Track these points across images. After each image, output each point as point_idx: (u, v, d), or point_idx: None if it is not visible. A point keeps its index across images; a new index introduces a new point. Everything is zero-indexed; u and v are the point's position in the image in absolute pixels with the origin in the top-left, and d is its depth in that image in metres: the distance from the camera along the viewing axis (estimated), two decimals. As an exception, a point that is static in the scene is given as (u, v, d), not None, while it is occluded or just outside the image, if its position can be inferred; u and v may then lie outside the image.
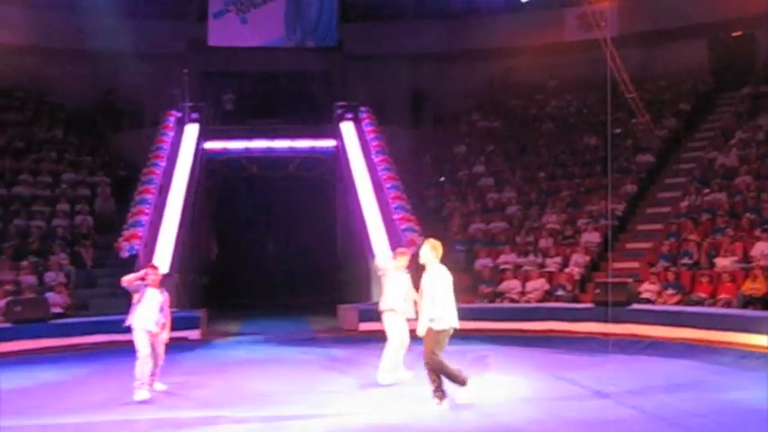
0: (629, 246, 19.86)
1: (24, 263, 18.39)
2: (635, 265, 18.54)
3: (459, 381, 9.27)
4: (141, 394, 10.28)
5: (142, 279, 10.89)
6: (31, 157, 23.37)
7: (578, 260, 19.15)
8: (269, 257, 26.53)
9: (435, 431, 8.33)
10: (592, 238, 19.89)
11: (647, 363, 12.73)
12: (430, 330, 9.13)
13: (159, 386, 10.91)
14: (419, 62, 28.90)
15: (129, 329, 10.72)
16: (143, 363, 10.42)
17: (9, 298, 16.50)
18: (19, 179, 22.08)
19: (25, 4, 25.53)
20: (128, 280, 10.78)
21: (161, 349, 10.88)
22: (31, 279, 17.98)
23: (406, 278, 11.53)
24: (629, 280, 16.84)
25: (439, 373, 9.16)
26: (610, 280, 16.07)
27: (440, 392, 9.18)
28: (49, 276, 18.41)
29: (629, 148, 23.21)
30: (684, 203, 19.84)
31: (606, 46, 19.40)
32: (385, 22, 29.48)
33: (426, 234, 20.06)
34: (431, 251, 9.36)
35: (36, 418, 9.42)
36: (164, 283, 11.30)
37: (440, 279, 9.26)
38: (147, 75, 26.27)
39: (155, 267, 11.17)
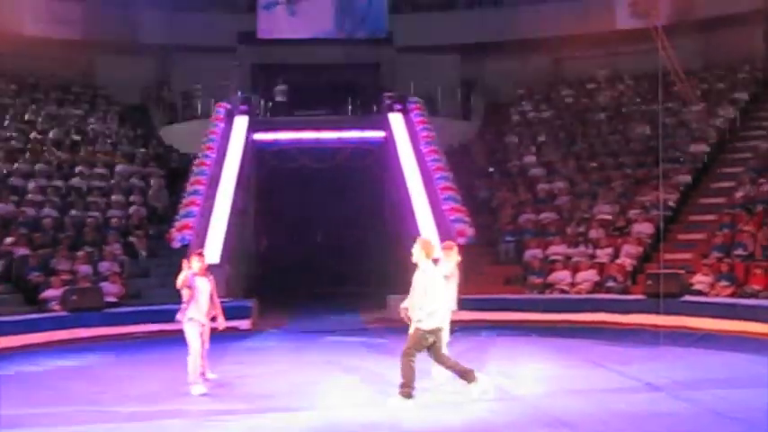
0: (681, 237, 19.57)
1: (80, 253, 18.72)
2: (687, 256, 18.27)
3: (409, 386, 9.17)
4: (197, 389, 10.17)
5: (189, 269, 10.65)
6: (86, 149, 23.79)
7: (629, 251, 18.95)
8: (318, 248, 26.66)
9: (487, 423, 8.30)
10: (643, 228, 19.65)
11: (699, 355, 12.54)
12: (417, 329, 9.10)
13: (210, 375, 10.93)
14: (468, 53, 28.80)
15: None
16: (195, 358, 10.30)
17: (65, 287, 16.82)
18: (75, 171, 22.51)
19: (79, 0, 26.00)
20: (181, 282, 10.51)
21: (206, 337, 10.71)
22: (86, 269, 18.31)
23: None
24: (682, 271, 16.65)
25: (407, 371, 9.13)
26: (662, 271, 15.87)
27: (408, 390, 9.11)
28: (104, 266, 18.72)
29: (683, 138, 22.85)
30: (739, 194, 19.50)
31: (658, 35, 19.13)
32: (434, 12, 29.38)
33: (476, 225, 20.16)
34: (422, 250, 9.32)
35: (90, 405, 9.59)
36: (210, 270, 11.11)
37: (431, 278, 9.20)
38: (198, 67, 26.55)
39: (201, 254, 11.03)
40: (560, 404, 9.03)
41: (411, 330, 9.19)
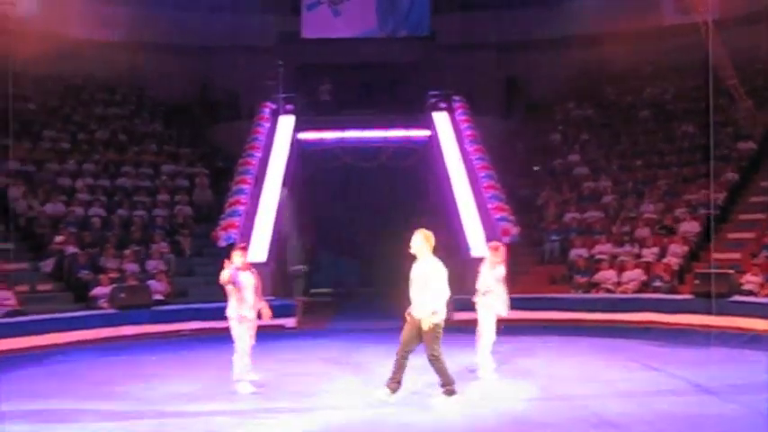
0: (730, 236, 19.28)
1: (127, 251, 19.00)
2: (736, 255, 18.01)
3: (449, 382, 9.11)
4: (244, 387, 10.20)
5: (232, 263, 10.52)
6: (132, 149, 24.11)
7: (676, 250, 18.75)
8: (363, 247, 26.69)
9: (533, 423, 8.27)
10: (690, 227, 19.44)
11: (750, 356, 12.34)
12: (432, 326, 8.96)
13: (253, 376, 10.58)
14: (511, 50, 28.66)
15: (225, 318, 10.56)
16: (241, 356, 10.27)
17: (114, 285, 17.07)
18: (122, 171, 22.83)
19: (124, 2, 26.27)
20: (224, 279, 10.46)
21: (252, 333, 10.53)
22: (133, 267, 18.56)
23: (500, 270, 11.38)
24: (731, 271, 16.42)
25: (443, 372, 9.07)
26: (712, 271, 15.67)
27: (451, 388, 9.07)
28: (151, 264, 18.97)
29: (730, 136, 22.51)
30: (789, 192, 19.21)
31: (706, 29, 18.85)
32: (476, 11, 29.27)
33: (520, 224, 20.08)
34: (424, 242, 9.08)
35: (137, 402, 9.71)
36: (252, 265, 11.02)
37: (435, 271, 9.02)
38: (242, 67, 26.76)
39: (243, 249, 10.98)
40: (606, 404, 8.96)
41: (425, 327, 8.94)
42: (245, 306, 10.38)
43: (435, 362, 9.00)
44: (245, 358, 10.34)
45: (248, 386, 10.25)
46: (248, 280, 10.48)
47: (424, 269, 9.01)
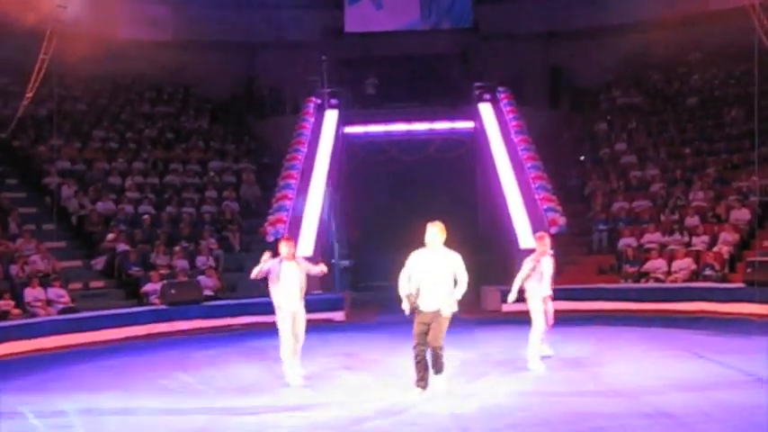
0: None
1: (177, 248, 19.23)
2: (788, 243, 17.74)
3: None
4: (293, 378, 10.30)
5: (275, 256, 10.68)
6: (180, 147, 24.40)
7: (727, 238, 18.48)
8: (409, 240, 26.57)
9: (586, 414, 8.22)
10: (741, 215, 19.16)
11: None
12: (449, 315, 8.97)
13: (300, 370, 10.63)
14: (555, 40, 28.46)
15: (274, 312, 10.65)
16: (285, 343, 10.36)
17: (164, 281, 17.29)
18: (170, 168, 23.10)
19: (170, 2, 26.54)
20: (254, 274, 10.69)
21: (300, 329, 10.60)
22: (183, 263, 18.78)
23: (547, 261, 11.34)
24: (783, 259, 16.15)
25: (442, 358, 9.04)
26: (764, 258, 15.45)
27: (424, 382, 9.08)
28: (200, 260, 19.18)
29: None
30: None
31: (754, 12, 18.52)
32: (519, 0, 29.07)
33: (568, 214, 19.95)
34: (440, 233, 8.98)
35: (189, 396, 9.84)
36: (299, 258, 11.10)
37: (457, 261, 9.00)
38: (286, 63, 26.87)
39: (288, 240, 11.03)
40: (660, 395, 8.87)
41: (446, 315, 8.95)
42: (286, 297, 10.41)
43: (441, 352, 8.99)
44: (289, 343, 10.37)
45: (297, 378, 10.32)
46: (292, 270, 10.48)
47: (443, 260, 8.95)
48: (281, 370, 10.45)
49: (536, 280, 11.11)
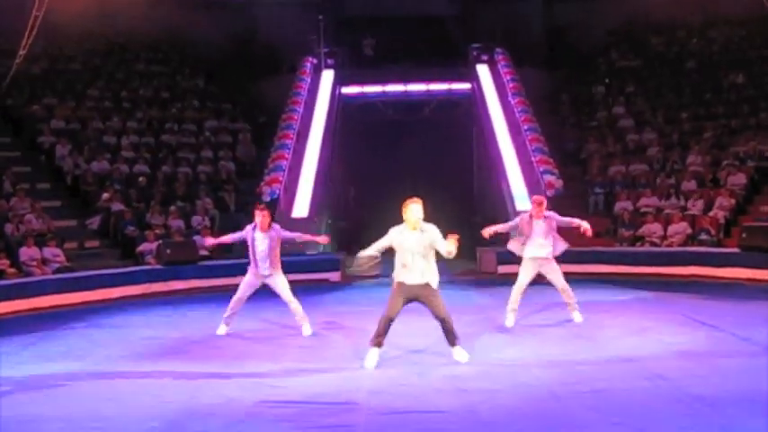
0: (778, 188, 19.02)
1: (172, 208, 19.17)
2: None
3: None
4: (221, 329, 11.07)
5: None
6: (175, 106, 24.26)
7: (723, 203, 18.49)
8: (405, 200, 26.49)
9: (585, 376, 8.23)
10: (737, 180, 19.16)
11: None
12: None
13: (306, 330, 10.99)
14: (553, 2, 28.28)
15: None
16: (233, 302, 11.03)
17: (159, 241, 17.26)
18: (165, 128, 22.98)
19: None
20: (210, 242, 11.49)
21: (284, 293, 10.89)
22: (178, 223, 18.75)
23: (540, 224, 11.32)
24: (779, 224, 16.17)
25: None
26: (759, 224, 15.47)
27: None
28: (195, 220, 19.15)
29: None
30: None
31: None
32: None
33: (564, 177, 19.92)
34: (420, 211, 8.89)
35: (184, 358, 9.86)
36: (272, 224, 11.10)
37: (436, 233, 8.91)
38: (283, 22, 26.66)
39: (261, 209, 11.07)
40: (656, 359, 8.89)
41: (435, 285, 8.96)
42: (253, 263, 10.86)
43: (450, 321, 9.00)
44: (232, 304, 11.08)
45: (224, 329, 11.10)
46: (260, 240, 10.77)
47: (423, 234, 8.87)
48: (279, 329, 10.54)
49: (520, 241, 11.23)
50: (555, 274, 11.32)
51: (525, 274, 11.32)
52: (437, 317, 8.96)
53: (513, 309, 11.33)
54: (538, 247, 11.23)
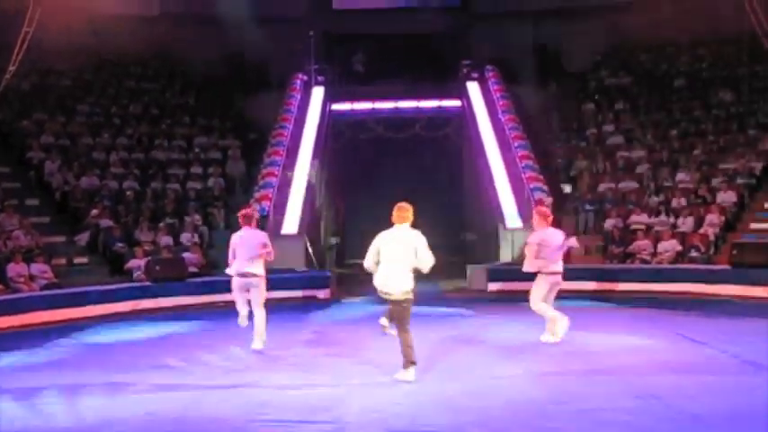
0: (767, 205, 19.03)
1: (161, 224, 19.11)
2: (774, 225, 17.81)
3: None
4: (242, 320, 11.02)
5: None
6: (165, 122, 24.22)
7: (713, 220, 18.53)
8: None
9: (574, 394, 8.20)
10: (727, 197, 19.22)
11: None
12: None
13: (257, 345, 10.90)
14: (543, 19, 28.38)
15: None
16: (239, 306, 10.96)
17: (148, 258, 17.17)
18: (155, 144, 22.92)
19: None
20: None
21: (258, 297, 10.81)
22: (167, 239, 18.68)
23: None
24: (769, 241, 16.20)
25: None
26: (749, 241, 15.51)
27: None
28: (185, 237, 19.09)
29: (768, 104, 22.16)
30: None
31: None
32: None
33: (553, 194, 19.94)
34: (409, 212, 8.84)
35: (174, 374, 9.78)
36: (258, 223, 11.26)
37: (423, 240, 8.80)
38: (273, 39, 26.60)
39: (245, 207, 11.24)
40: (646, 376, 8.86)
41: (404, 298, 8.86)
42: (238, 263, 10.78)
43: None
44: (242, 310, 11.06)
45: (244, 320, 11.00)
46: (246, 239, 10.75)
47: (415, 240, 8.76)
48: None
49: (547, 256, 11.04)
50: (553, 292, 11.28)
51: (545, 290, 11.12)
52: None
53: (551, 318, 11.14)
54: (559, 261, 11.14)
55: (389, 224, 8.91)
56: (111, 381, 9.33)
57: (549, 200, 19.16)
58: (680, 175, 20.70)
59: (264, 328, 10.85)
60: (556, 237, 11.11)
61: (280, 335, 11.16)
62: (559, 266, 11.09)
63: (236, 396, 8.44)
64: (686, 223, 18.84)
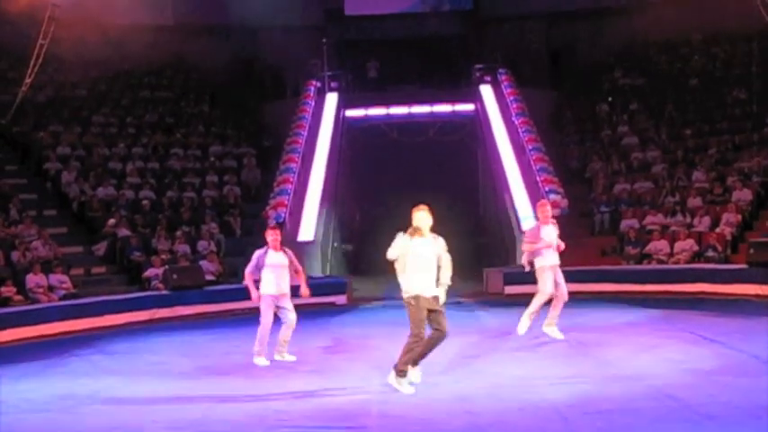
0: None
1: (178, 233, 19.20)
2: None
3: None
4: (259, 360, 10.50)
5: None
6: (180, 131, 24.35)
7: (729, 219, 18.44)
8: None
9: (591, 396, 8.19)
10: (743, 195, 19.12)
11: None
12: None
13: (289, 357, 10.76)
14: (556, 21, 28.37)
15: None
16: (263, 330, 10.55)
17: (166, 267, 17.26)
18: (170, 153, 23.04)
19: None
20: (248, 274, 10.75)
21: (289, 314, 10.67)
22: (184, 248, 18.77)
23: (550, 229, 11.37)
24: (786, 239, 16.11)
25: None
26: (766, 239, 15.42)
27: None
28: (201, 245, 19.17)
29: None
30: None
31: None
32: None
33: (570, 196, 19.92)
34: (429, 217, 8.66)
35: (190, 383, 9.83)
36: (284, 244, 11.13)
37: (443, 246, 8.72)
38: (287, 46, 26.72)
39: (273, 228, 11.12)
40: (664, 377, 8.83)
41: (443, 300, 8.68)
42: (271, 284, 10.58)
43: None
44: (265, 333, 10.59)
45: (264, 360, 10.53)
46: (279, 259, 10.65)
47: (440, 247, 8.70)
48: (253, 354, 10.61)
49: (536, 253, 11.27)
50: (563, 282, 11.31)
51: (548, 282, 11.24)
52: (437, 329, 8.63)
53: (531, 315, 11.27)
54: (553, 253, 11.22)
55: (404, 228, 8.81)
56: (129, 390, 9.41)
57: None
58: (696, 175, 20.62)
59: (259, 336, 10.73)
60: (552, 234, 11.28)
61: (297, 341, 11.17)
62: (555, 259, 11.28)
63: (253, 403, 8.48)
64: (702, 223, 18.75)
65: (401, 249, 8.61)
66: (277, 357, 10.72)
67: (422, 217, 8.65)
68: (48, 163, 20.92)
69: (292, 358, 10.75)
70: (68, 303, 15.62)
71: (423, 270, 8.57)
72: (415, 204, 8.82)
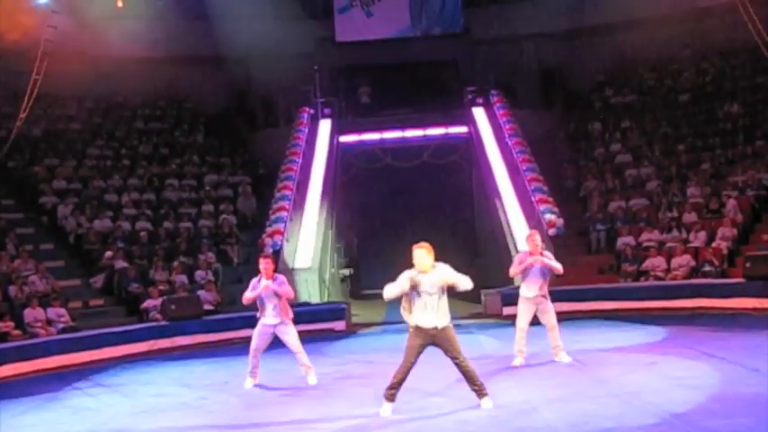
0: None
1: (175, 263, 19.19)
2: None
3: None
4: (245, 382, 10.94)
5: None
6: (175, 162, 24.38)
7: (725, 233, 18.49)
8: (408, 246, 26.51)
9: (592, 415, 8.18)
10: (738, 206, 19.18)
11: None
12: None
13: (312, 379, 10.92)
14: (545, 41, 28.46)
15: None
16: (250, 353, 10.98)
17: (163, 297, 17.24)
18: (166, 184, 23.07)
19: (159, 17, 26.29)
20: (247, 298, 10.91)
21: (292, 342, 10.86)
22: (182, 278, 18.75)
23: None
24: (782, 252, 16.14)
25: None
26: (763, 252, 15.46)
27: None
28: (199, 275, 19.16)
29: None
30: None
31: (744, 8, 18.56)
32: (508, 3, 29.14)
33: (565, 215, 19.96)
34: (429, 255, 8.61)
35: (191, 413, 9.81)
36: (276, 271, 11.36)
37: (453, 271, 8.74)
38: (279, 75, 26.75)
39: (265, 257, 11.26)
40: (664, 394, 8.85)
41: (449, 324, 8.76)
42: (264, 313, 10.88)
43: (465, 361, 8.79)
44: (251, 357, 10.98)
45: (248, 382, 10.93)
46: (269, 288, 10.79)
47: (444, 274, 8.68)
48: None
49: (522, 281, 11.33)
50: (549, 313, 11.29)
51: (521, 317, 11.34)
52: (455, 359, 8.72)
53: (521, 350, 11.33)
54: (534, 286, 11.22)
55: (402, 253, 8.86)
56: (130, 422, 9.39)
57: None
58: (690, 190, 20.68)
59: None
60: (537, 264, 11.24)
61: (297, 369, 11.17)
62: (534, 291, 11.24)
63: (255, 431, 8.47)
64: (698, 238, 18.79)
65: (401, 288, 8.66)
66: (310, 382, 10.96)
67: (420, 254, 8.65)
68: (43, 197, 20.93)
69: (314, 381, 10.94)
70: (67, 337, 15.58)
71: (427, 308, 8.65)
72: (416, 242, 8.78)
